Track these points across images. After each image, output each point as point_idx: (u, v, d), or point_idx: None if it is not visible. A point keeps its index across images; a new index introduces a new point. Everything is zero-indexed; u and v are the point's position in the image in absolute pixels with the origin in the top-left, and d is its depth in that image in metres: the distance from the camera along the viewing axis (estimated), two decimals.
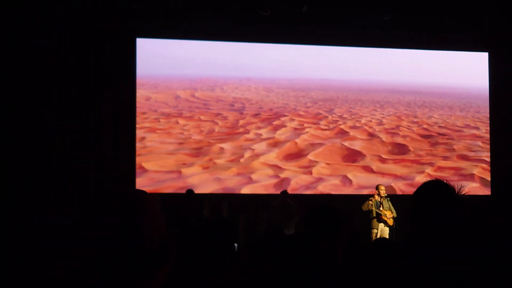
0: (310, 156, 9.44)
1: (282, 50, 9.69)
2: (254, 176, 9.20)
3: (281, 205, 8.27)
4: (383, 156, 9.79)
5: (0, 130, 8.27)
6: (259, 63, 9.65)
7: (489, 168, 10.02)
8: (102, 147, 8.79)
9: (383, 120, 10.02)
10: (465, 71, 10.40)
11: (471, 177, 9.93)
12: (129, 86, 9.07)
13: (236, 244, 6.17)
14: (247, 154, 9.31)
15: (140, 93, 9.28)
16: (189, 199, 8.17)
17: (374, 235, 7.99)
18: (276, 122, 9.56)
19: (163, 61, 9.41)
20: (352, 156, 9.60)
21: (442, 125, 10.19)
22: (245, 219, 8.77)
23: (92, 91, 8.79)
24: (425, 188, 1.79)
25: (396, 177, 9.63)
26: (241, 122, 9.58)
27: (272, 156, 9.36)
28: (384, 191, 8.13)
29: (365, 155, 9.64)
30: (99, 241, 1.00)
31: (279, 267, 2.46)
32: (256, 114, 9.62)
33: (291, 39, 9.54)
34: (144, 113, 9.31)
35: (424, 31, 9.33)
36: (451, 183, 1.77)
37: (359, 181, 9.47)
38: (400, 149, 9.90)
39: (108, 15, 8.39)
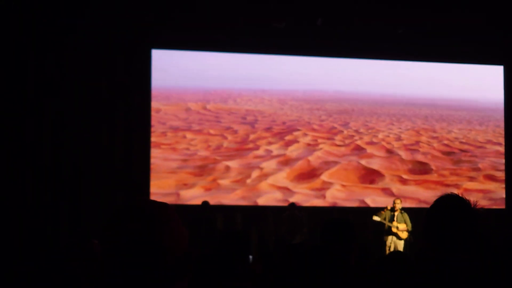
0: (324, 177, 9.40)
1: (297, 62, 9.93)
2: (260, 201, 9.13)
3: (289, 217, 8.64)
4: (404, 176, 9.80)
5: (13, 140, 8.60)
6: (274, 75, 9.82)
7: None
8: (115, 159, 9.06)
9: (401, 135, 10.11)
10: (480, 84, 10.58)
11: (501, 202, 9.94)
12: (144, 97, 9.36)
13: (251, 256, 6.40)
14: (255, 173, 9.28)
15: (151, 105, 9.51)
16: (203, 211, 8.38)
17: (387, 247, 8.50)
18: (288, 137, 9.57)
19: (177, 73, 9.63)
20: (370, 176, 9.61)
21: (463, 140, 10.27)
22: (258, 231, 8.94)
23: (107, 103, 9.09)
24: (440, 202, 1.91)
25: (420, 201, 9.59)
26: (251, 136, 9.64)
27: (282, 176, 9.29)
28: (400, 205, 8.57)
29: (384, 175, 9.66)
30: (117, 253, 1.05)
31: (293, 279, 2.56)
32: (268, 128, 9.68)
33: (306, 51, 9.80)
34: (151, 126, 9.54)
35: (438, 44, 9.56)
36: (466, 197, 1.89)
37: (378, 206, 9.37)
38: (421, 168, 9.94)
39: (124, 26, 8.76)
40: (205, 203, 8.42)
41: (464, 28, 9.20)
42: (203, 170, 9.29)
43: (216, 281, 2.59)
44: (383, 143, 9.87)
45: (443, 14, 8.92)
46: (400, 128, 10.13)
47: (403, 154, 9.94)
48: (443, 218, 1.85)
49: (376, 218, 8.47)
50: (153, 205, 1.11)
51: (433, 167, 9.95)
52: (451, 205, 1.87)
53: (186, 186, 9.15)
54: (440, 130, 10.26)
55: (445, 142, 10.19)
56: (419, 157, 9.97)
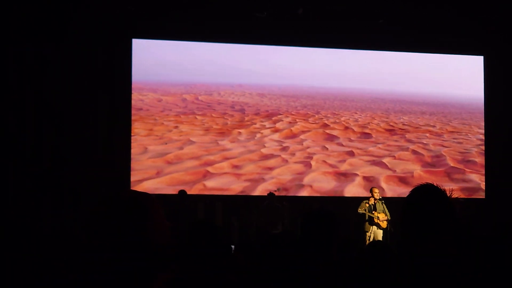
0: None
1: (274, 58, 10.96)
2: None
3: (268, 207, 8.76)
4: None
5: None
6: (251, 68, 10.93)
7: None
8: (96, 148, 9.02)
9: (370, 126, 11.45)
10: (461, 75, 10.81)
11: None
12: (124, 86, 9.36)
13: (233, 246, 6.51)
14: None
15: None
16: (181, 201, 8.26)
17: (367, 238, 8.63)
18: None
19: (157, 64, 10.20)
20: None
21: (440, 132, 11.03)
22: (239, 221, 9.08)
23: (87, 92, 9.02)
24: (417, 192, 1.92)
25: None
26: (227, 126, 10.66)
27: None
28: (378, 194, 8.74)
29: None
30: (103, 243, 1.07)
31: (275, 270, 2.62)
32: (256, 114, 11.32)
33: (287, 41, 9.90)
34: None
35: (418, 35, 9.73)
36: (442, 187, 1.92)
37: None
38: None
39: (104, 16, 8.68)
40: (182, 192, 8.29)
41: (444, 18, 9.32)
42: (177, 166, 9.83)
43: (200, 273, 2.56)
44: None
45: (422, 4, 9.04)
46: (375, 119, 11.21)
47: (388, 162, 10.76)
48: (420, 208, 1.86)
49: (360, 210, 8.59)
50: (138, 197, 1.13)
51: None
52: (427, 194, 1.88)
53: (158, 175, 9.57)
54: (420, 122, 10.92)
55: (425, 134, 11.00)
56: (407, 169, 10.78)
